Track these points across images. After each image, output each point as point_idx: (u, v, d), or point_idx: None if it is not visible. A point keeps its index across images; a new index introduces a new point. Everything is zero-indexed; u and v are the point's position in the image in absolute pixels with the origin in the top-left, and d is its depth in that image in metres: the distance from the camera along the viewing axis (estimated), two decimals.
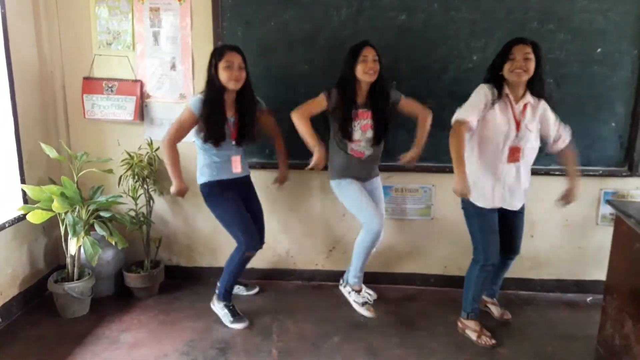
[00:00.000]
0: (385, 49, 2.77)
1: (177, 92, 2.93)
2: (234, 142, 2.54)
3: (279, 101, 2.73)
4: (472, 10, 2.74)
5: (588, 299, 3.06)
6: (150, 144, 2.94)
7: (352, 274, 2.74)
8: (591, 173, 2.94)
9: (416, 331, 2.64)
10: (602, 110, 2.86)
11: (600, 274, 2.75)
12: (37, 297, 2.86)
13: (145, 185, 2.90)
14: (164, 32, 2.87)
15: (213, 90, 2.45)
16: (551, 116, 2.42)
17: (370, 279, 3.14)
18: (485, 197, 2.41)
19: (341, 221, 3.12)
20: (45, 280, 2.79)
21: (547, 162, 2.92)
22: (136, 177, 2.84)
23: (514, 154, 2.36)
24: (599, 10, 2.72)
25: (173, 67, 2.91)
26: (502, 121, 2.31)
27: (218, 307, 2.71)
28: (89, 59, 2.92)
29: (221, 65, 2.40)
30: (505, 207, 2.45)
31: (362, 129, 2.58)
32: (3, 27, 2.54)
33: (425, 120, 2.62)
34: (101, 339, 2.51)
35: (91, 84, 2.93)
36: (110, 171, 2.81)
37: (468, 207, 2.48)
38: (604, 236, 2.76)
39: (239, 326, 2.62)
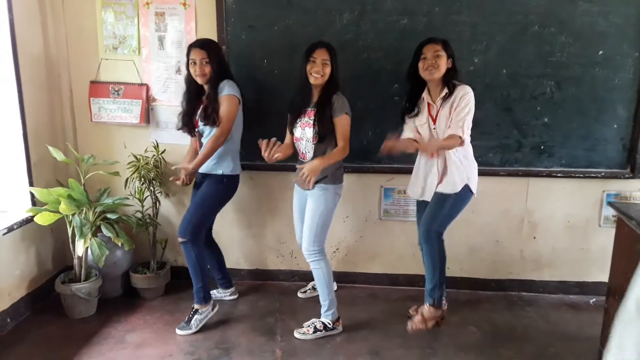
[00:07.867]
0: (387, 52, 2.82)
1: (182, 95, 2.96)
2: (196, 131, 2.68)
3: (282, 104, 2.75)
4: (473, 13, 2.76)
5: (592, 301, 3.07)
6: (156, 146, 2.97)
7: None
8: (593, 175, 2.95)
9: None
10: (604, 112, 2.87)
11: (603, 275, 2.75)
12: (44, 298, 2.90)
13: (151, 187, 2.93)
14: (169, 37, 2.91)
15: (186, 84, 2.65)
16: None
17: (373, 280, 3.17)
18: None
19: (344, 223, 3.15)
20: (52, 281, 2.83)
21: (549, 164, 2.93)
22: (142, 179, 2.87)
23: None
24: (600, 13, 2.74)
25: (178, 70, 2.95)
26: None
27: None
28: (96, 63, 2.97)
29: (190, 62, 2.54)
30: None
31: (302, 126, 2.52)
32: (11, 32, 2.58)
33: (336, 151, 2.45)
34: (107, 339, 2.54)
35: (98, 88, 2.98)
36: (116, 173, 2.85)
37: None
38: (607, 238, 2.77)
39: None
